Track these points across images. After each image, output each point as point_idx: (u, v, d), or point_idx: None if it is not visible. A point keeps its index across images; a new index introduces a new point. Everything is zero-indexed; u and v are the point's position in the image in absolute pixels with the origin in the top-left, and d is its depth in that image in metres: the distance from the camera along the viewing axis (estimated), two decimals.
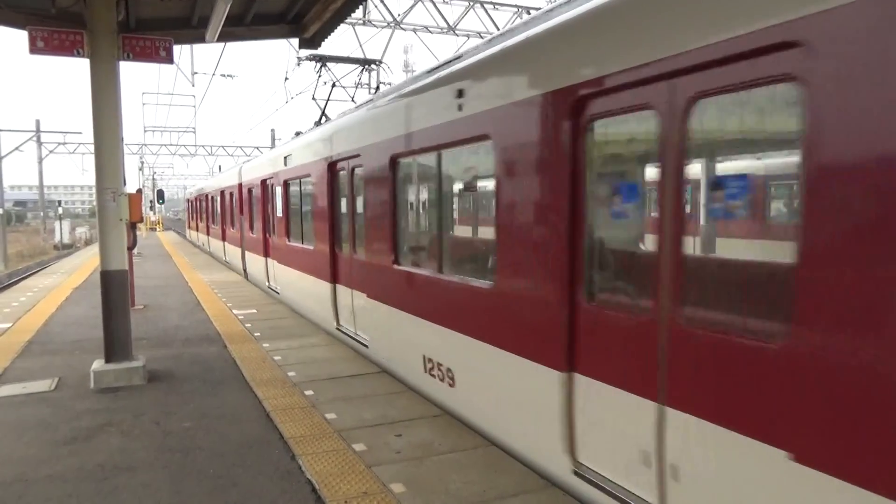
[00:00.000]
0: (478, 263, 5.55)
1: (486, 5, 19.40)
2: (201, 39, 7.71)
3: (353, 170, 8.29)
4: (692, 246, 3.35)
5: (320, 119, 13.16)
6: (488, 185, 5.15)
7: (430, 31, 19.94)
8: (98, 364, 6.90)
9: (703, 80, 3.10)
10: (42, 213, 50.64)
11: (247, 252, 17.16)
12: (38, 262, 33.63)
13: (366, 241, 7.71)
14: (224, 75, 30.00)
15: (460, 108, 5.30)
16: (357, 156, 7.93)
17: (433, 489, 4.25)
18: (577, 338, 4.08)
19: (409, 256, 6.88)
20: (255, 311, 11.52)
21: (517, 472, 4.47)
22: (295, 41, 9.12)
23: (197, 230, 33.13)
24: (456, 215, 6.14)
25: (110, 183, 6.80)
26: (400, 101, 6.66)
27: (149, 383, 6.86)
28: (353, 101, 13.72)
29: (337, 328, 9.13)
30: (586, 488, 4.02)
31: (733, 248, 3.32)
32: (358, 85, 14.15)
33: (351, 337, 8.53)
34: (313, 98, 14.10)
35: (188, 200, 40.53)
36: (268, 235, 14.20)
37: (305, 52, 13.38)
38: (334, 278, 9.18)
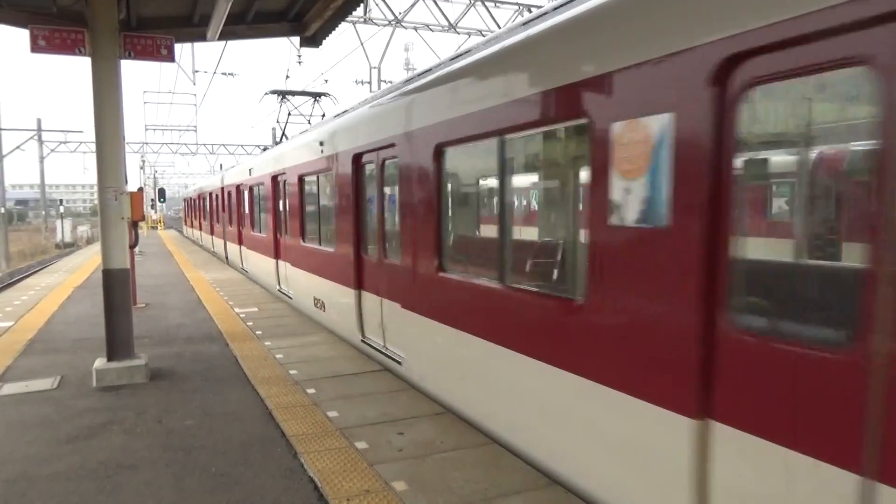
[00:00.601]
0: (330, 239, 9.27)
1: (486, 3, 19.38)
2: (202, 38, 7.70)
3: (284, 182, 12.21)
4: (390, 226, 7.24)
5: (280, 138, 17.77)
6: (332, 194, 9.00)
7: (431, 30, 19.92)
8: (100, 362, 6.91)
9: (385, 154, 7.08)
10: (43, 212, 50.67)
11: (227, 242, 21.19)
12: (39, 261, 33.66)
13: (290, 229, 11.70)
14: (225, 73, 30.00)
15: (322, 151, 9.37)
16: (284, 173, 12.04)
17: (435, 487, 4.25)
18: (360, 271, 8.02)
19: (309, 237, 10.72)
20: (256, 309, 11.53)
21: (520, 470, 4.48)
22: (296, 39, 9.11)
23: (192, 226, 38.66)
24: (324, 210, 9.80)
25: (112, 181, 6.80)
26: (301, 140, 10.98)
27: (151, 381, 6.87)
28: (309, 122, 17.92)
29: (278, 290, 13.07)
30: (367, 348, 7.85)
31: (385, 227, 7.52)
32: (311, 115, 18.35)
33: (285, 294, 12.49)
34: (277, 121, 18.33)
35: (185, 200, 47.12)
36: (241, 229, 18.03)
37: (269, 88, 18.66)
38: (277, 256, 13.14)
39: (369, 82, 21.02)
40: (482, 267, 5.33)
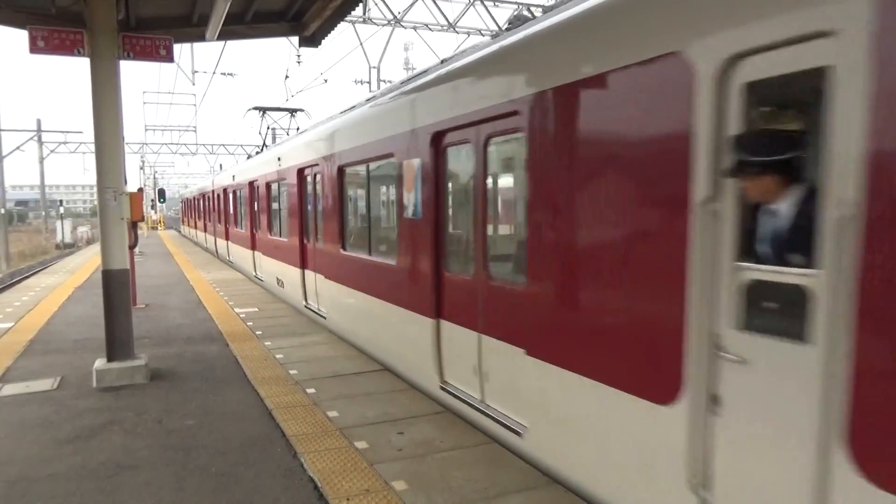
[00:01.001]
0: (282, 231, 12.51)
1: (486, 2, 19.36)
2: (201, 38, 7.69)
3: (257, 187, 15.36)
4: (319, 220, 9.88)
5: (261, 149, 19.89)
6: (286, 197, 12.08)
7: (431, 29, 19.90)
8: (100, 363, 6.91)
9: (315, 170, 10.03)
10: (43, 213, 50.66)
11: (217, 238, 24.25)
12: (39, 262, 33.68)
13: (260, 225, 15.04)
14: (224, 74, 30.01)
15: (279, 164, 12.45)
16: (257, 180, 15.19)
17: (435, 486, 4.26)
18: (304, 255, 10.81)
19: (273, 231, 13.62)
20: (256, 309, 11.54)
21: (519, 469, 4.48)
22: (295, 39, 9.10)
23: (188, 225, 42.77)
24: (283, 209, 12.51)
25: (111, 182, 6.80)
26: (269, 155, 14.03)
27: (151, 382, 6.87)
28: (286, 133, 20.72)
29: (255, 276, 15.98)
30: (308, 312, 10.55)
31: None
32: (289, 128, 21.05)
33: (259, 279, 15.37)
34: (259, 133, 21.16)
35: (182, 200, 50.93)
36: (227, 226, 21.21)
37: (253, 104, 21.04)
38: (253, 247, 16.18)
39: (369, 82, 21.01)
40: (361, 247, 8.24)
